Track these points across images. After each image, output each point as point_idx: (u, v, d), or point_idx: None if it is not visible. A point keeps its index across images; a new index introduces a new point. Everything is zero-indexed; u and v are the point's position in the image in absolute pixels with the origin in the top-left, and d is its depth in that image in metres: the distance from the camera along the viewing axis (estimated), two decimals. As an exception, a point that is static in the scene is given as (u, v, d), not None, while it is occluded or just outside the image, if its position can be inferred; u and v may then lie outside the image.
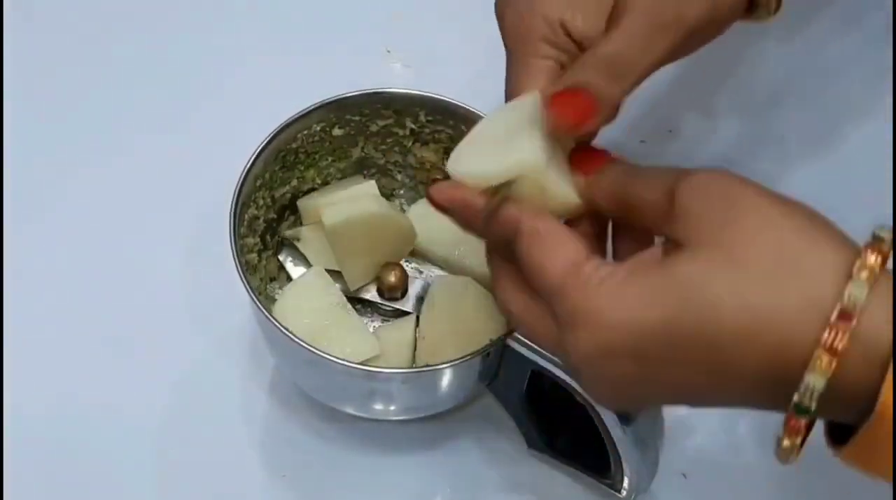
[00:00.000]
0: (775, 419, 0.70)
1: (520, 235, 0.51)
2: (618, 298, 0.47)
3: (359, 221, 0.68)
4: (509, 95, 0.59)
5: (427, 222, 0.71)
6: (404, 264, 0.72)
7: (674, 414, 0.70)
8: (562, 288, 0.48)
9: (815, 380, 0.43)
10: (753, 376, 0.45)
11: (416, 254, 0.73)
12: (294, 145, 0.69)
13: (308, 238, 0.72)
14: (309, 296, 0.68)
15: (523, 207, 0.52)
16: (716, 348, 0.45)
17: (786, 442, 0.46)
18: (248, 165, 0.66)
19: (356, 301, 0.70)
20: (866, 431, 0.43)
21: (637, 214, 0.51)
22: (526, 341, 0.60)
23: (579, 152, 0.55)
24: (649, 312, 0.46)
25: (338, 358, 0.61)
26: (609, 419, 0.59)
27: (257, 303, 0.61)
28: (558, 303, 0.49)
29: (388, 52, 0.87)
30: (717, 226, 0.46)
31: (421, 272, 0.73)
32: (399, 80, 0.74)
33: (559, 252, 0.49)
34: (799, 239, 0.45)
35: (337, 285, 0.69)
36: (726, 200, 0.46)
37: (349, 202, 0.70)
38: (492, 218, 0.52)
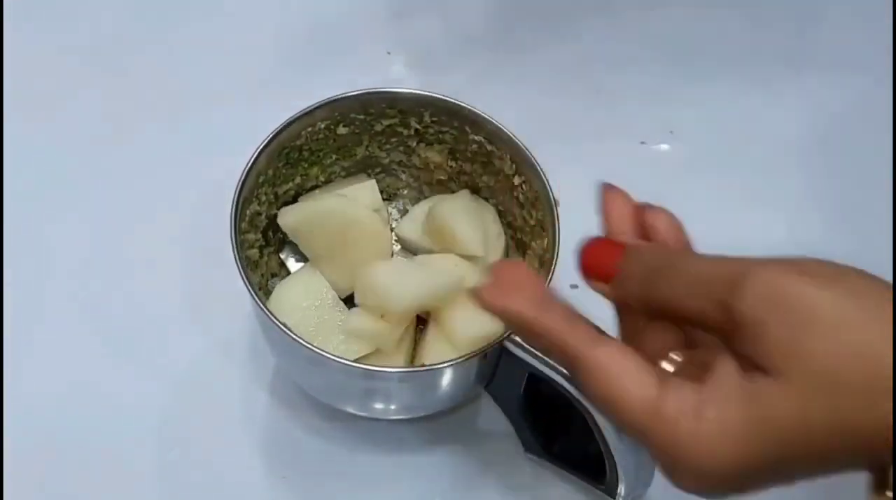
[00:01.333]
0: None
1: (577, 367, 0.49)
2: (715, 449, 0.45)
3: (317, 220, 0.69)
4: None
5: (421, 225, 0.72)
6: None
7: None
8: (646, 431, 0.47)
9: None
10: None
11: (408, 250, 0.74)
12: (298, 142, 0.69)
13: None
14: (300, 294, 0.68)
15: (573, 329, 0.50)
16: (821, 464, 0.46)
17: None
18: (251, 161, 0.66)
19: (350, 300, 0.70)
20: None
21: (682, 319, 0.49)
22: (523, 343, 0.60)
23: (589, 253, 0.52)
24: (752, 460, 0.45)
25: (337, 356, 0.61)
26: (605, 424, 0.59)
27: (256, 299, 0.61)
28: (645, 441, 0.47)
29: (389, 53, 0.87)
30: (800, 347, 0.43)
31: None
32: (400, 81, 0.74)
33: (631, 391, 0.47)
34: (873, 331, 0.43)
35: (328, 284, 0.70)
36: (797, 311, 0.43)
37: (307, 201, 0.71)
38: (534, 335, 0.51)
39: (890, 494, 0.44)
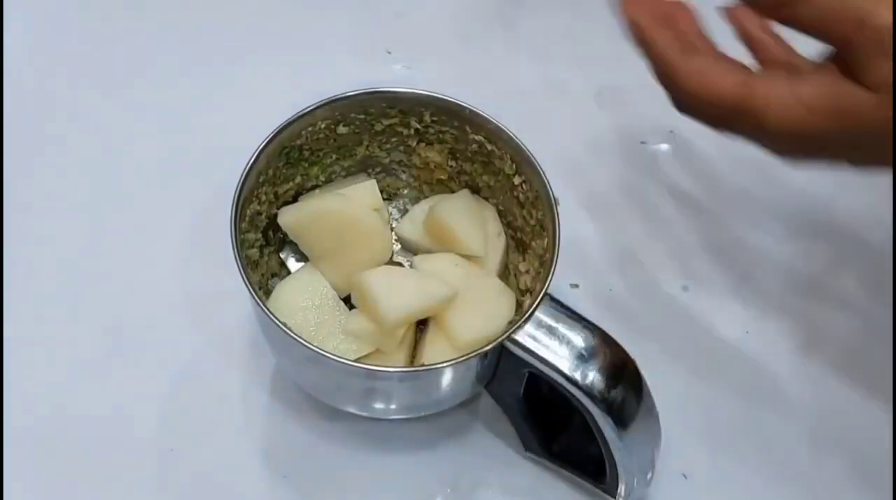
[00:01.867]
0: (775, 421, 0.70)
1: (672, 75, 0.55)
2: (803, 126, 0.52)
3: (317, 219, 0.69)
4: None
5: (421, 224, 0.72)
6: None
7: (673, 415, 0.70)
8: (737, 108, 0.53)
9: None
10: None
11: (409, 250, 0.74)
12: (298, 142, 0.69)
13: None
14: (300, 294, 0.68)
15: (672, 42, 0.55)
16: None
17: None
18: (252, 161, 0.66)
19: (350, 299, 0.70)
20: None
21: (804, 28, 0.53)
22: (523, 343, 0.60)
23: None
24: (831, 140, 0.53)
25: (337, 356, 0.61)
26: (605, 423, 0.59)
27: (256, 298, 0.61)
28: (737, 120, 0.54)
29: (389, 53, 0.87)
30: None
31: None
32: (399, 81, 0.74)
33: (724, 78, 0.53)
34: None
35: (328, 283, 0.70)
36: None
37: (307, 201, 0.71)
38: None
39: None
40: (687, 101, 0.55)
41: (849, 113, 0.51)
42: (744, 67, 0.54)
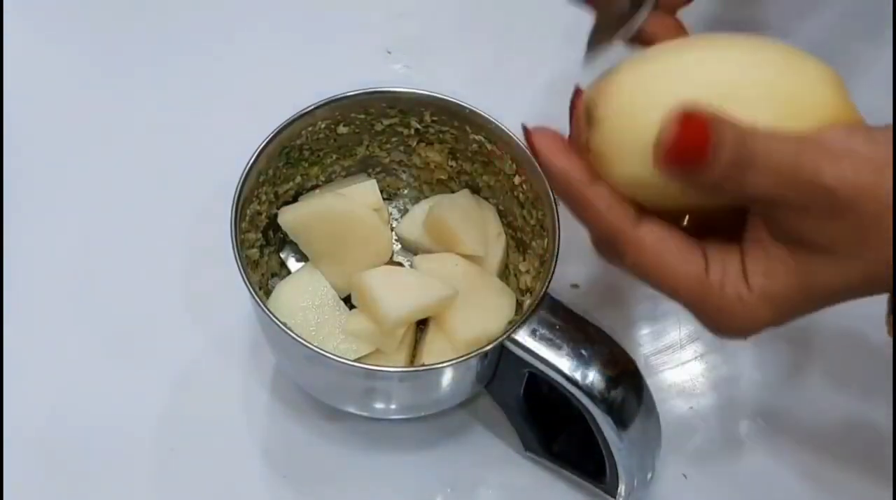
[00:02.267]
0: (775, 421, 0.70)
1: (620, 245, 0.50)
2: (760, 313, 0.48)
3: (317, 219, 0.69)
4: None
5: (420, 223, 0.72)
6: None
7: (673, 416, 0.71)
8: (693, 301, 0.49)
9: None
10: None
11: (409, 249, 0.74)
12: (298, 142, 0.69)
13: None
14: (300, 294, 0.68)
15: (616, 202, 0.49)
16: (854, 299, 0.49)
17: None
18: (252, 161, 0.66)
19: (350, 299, 0.70)
20: None
21: (751, 204, 0.49)
22: (523, 343, 0.60)
23: (684, 131, 0.46)
24: (793, 317, 0.49)
25: (337, 356, 0.61)
26: (605, 423, 0.60)
27: (257, 298, 0.61)
28: (693, 309, 0.50)
29: (389, 53, 0.87)
30: (866, 245, 0.46)
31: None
32: (399, 81, 0.74)
33: (677, 265, 0.49)
34: None
35: (328, 283, 0.70)
36: (866, 214, 0.46)
37: (307, 200, 0.72)
38: (579, 204, 0.50)
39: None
40: (633, 271, 0.50)
41: (808, 288, 0.48)
42: (698, 251, 0.49)
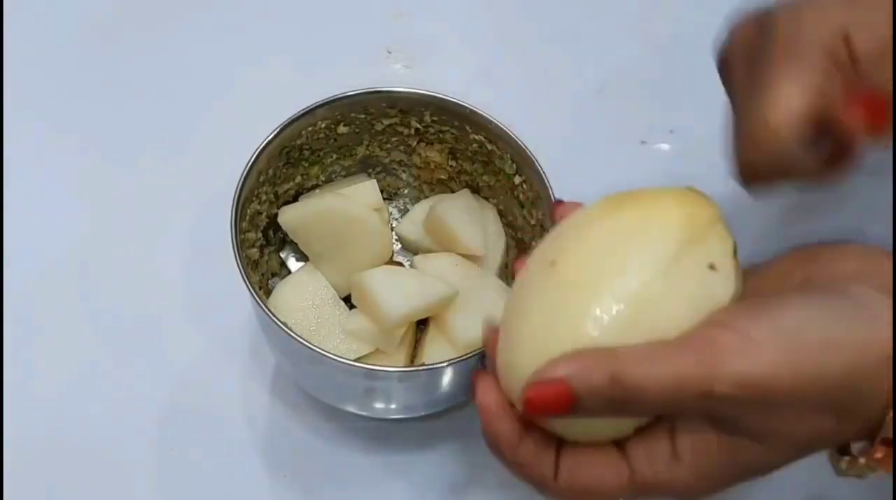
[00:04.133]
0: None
1: (551, 496, 0.51)
2: (691, 486, 0.49)
3: (317, 219, 0.69)
4: (773, 100, 0.53)
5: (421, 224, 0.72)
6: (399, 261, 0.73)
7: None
8: (634, 495, 0.50)
9: None
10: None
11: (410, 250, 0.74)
12: (299, 142, 0.70)
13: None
14: (300, 294, 0.68)
15: (535, 460, 0.50)
16: None
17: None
18: (252, 160, 0.66)
19: (350, 299, 0.70)
20: None
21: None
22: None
23: (536, 401, 0.47)
24: (723, 487, 0.50)
25: (337, 356, 0.61)
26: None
27: (256, 298, 0.61)
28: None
29: (389, 53, 0.87)
30: (773, 429, 0.48)
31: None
32: (399, 81, 0.74)
33: (608, 489, 0.49)
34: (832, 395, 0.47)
35: (328, 283, 0.70)
36: (765, 401, 0.47)
37: (308, 200, 0.72)
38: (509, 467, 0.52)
39: (861, 461, 0.50)
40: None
41: (741, 467, 0.49)
42: (621, 463, 0.50)
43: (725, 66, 0.58)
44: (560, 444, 0.50)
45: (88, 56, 0.86)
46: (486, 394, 0.50)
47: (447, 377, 0.63)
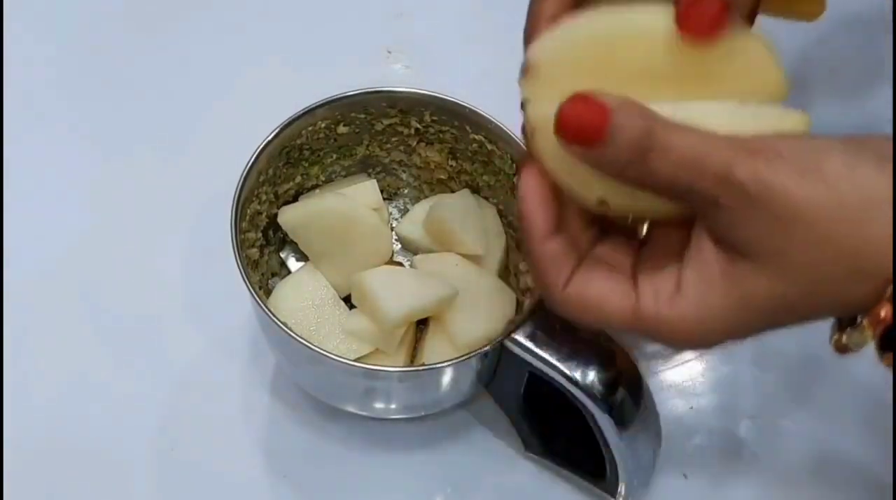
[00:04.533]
0: (776, 419, 0.70)
1: (553, 301, 0.51)
2: (700, 327, 0.48)
3: (317, 219, 0.69)
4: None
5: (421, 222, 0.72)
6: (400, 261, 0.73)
7: (673, 416, 0.71)
8: (636, 331, 0.50)
9: None
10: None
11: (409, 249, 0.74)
12: (298, 142, 0.69)
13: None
14: (300, 294, 0.68)
15: (552, 265, 0.50)
16: (805, 321, 0.48)
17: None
18: (252, 160, 0.66)
19: (350, 299, 0.70)
20: None
21: (663, 191, 0.48)
22: (523, 342, 0.60)
23: (572, 111, 0.47)
24: (737, 331, 0.49)
25: (337, 356, 0.61)
26: (605, 423, 0.60)
27: (256, 298, 0.61)
28: (638, 335, 0.50)
29: (389, 53, 0.87)
30: (781, 244, 0.46)
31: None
32: (400, 81, 0.74)
33: (610, 310, 0.50)
34: (849, 224, 0.45)
35: (328, 283, 0.70)
36: (779, 209, 0.45)
37: (308, 200, 0.72)
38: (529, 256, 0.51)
39: (864, 322, 0.48)
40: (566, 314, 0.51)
41: (744, 300, 0.47)
42: (627, 287, 0.50)
43: None
44: (580, 261, 0.50)
45: (88, 56, 0.86)
46: (529, 181, 0.50)
47: (447, 377, 0.63)
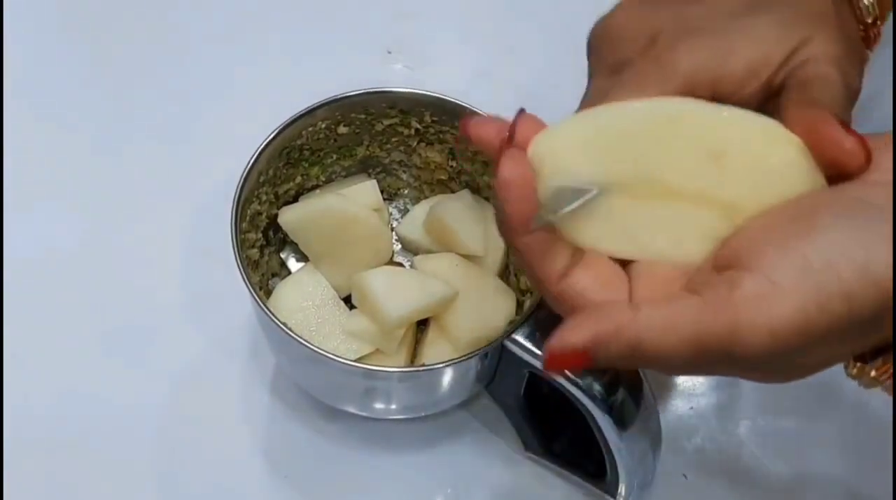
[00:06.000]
0: (776, 420, 0.70)
1: (546, 294, 0.49)
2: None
3: (317, 219, 0.69)
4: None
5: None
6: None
7: (673, 416, 0.71)
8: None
9: None
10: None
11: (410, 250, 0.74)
12: (299, 142, 0.70)
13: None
14: (301, 294, 0.68)
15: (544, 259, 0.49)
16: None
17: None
18: (252, 161, 0.66)
19: (350, 299, 0.70)
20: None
21: None
22: (523, 342, 0.60)
23: (557, 360, 0.47)
24: None
25: (337, 356, 0.61)
26: (605, 423, 0.60)
27: (257, 298, 0.61)
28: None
29: (389, 53, 0.87)
30: None
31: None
32: (400, 81, 0.74)
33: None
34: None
35: (328, 284, 0.70)
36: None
37: (308, 200, 0.72)
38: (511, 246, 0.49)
39: (872, 373, 0.49)
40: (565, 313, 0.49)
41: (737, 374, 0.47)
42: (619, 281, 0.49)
43: (598, 45, 0.59)
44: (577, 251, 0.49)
45: (88, 56, 0.86)
46: (510, 165, 0.48)
47: (447, 378, 0.63)
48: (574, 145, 0.49)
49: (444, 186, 0.75)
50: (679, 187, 0.47)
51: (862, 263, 0.43)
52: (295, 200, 0.72)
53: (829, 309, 0.43)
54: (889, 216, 0.44)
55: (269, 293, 0.69)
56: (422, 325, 0.69)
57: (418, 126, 0.72)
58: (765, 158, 0.47)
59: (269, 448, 0.70)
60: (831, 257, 0.43)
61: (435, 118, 0.71)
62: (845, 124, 0.47)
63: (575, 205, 0.48)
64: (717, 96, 0.51)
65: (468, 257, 0.70)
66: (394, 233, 0.75)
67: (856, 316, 0.43)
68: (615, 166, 0.48)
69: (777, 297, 0.43)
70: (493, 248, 0.71)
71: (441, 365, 0.62)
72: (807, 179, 0.47)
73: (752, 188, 0.47)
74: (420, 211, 0.73)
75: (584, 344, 0.45)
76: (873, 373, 0.49)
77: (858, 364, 0.49)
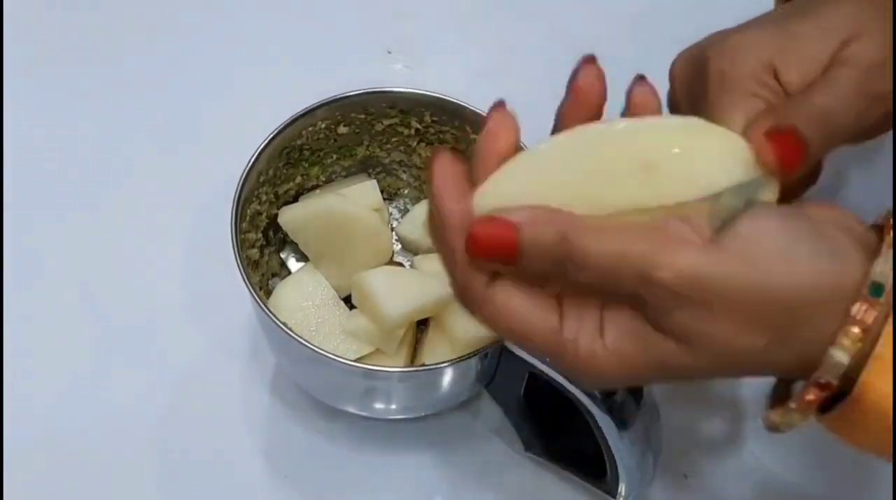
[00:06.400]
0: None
1: (472, 301, 0.49)
2: (612, 371, 0.48)
3: (317, 219, 0.69)
4: None
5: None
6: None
7: (674, 415, 0.70)
8: (551, 355, 0.49)
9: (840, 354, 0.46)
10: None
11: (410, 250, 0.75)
12: (299, 142, 0.70)
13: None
14: (301, 294, 0.69)
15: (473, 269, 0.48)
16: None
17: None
18: (252, 161, 0.66)
19: (350, 299, 0.70)
20: (846, 406, 0.48)
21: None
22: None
23: (483, 237, 0.47)
24: (647, 381, 0.54)
25: (337, 356, 0.61)
26: (606, 423, 0.59)
27: (257, 298, 0.61)
28: (552, 361, 0.51)
29: (389, 53, 0.87)
30: (703, 329, 0.47)
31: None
32: (400, 81, 0.74)
33: (532, 327, 0.48)
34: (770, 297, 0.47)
35: (328, 284, 0.70)
36: (700, 297, 0.46)
37: (308, 201, 0.72)
38: (444, 254, 0.50)
39: (792, 405, 0.50)
40: (489, 326, 0.50)
41: (660, 365, 0.48)
42: (553, 308, 0.49)
43: (672, 108, 0.61)
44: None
45: (88, 56, 0.86)
46: (443, 167, 0.49)
47: (447, 378, 0.63)
48: (515, 193, 0.49)
49: (444, 186, 0.74)
50: (626, 206, 0.48)
51: (784, 248, 0.46)
52: (295, 200, 0.72)
53: (747, 273, 0.45)
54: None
55: (269, 293, 0.69)
56: (422, 325, 0.69)
57: (418, 126, 0.72)
58: (689, 154, 0.49)
59: (269, 448, 0.70)
60: (761, 234, 0.46)
61: (435, 118, 0.71)
62: (783, 129, 0.50)
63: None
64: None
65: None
66: (394, 233, 0.75)
67: (770, 294, 0.46)
68: (558, 196, 0.48)
69: (703, 245, 0.46)
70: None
71: (441, 365, 0.62)
72: (737, 165, 0.49)
73: (687, 186, 0.48)
74: (420, 211, 0.73)
75: (518, 218, 0.46)
76: (793, 405, 0.49)
77: (777, 407, 0.50)
